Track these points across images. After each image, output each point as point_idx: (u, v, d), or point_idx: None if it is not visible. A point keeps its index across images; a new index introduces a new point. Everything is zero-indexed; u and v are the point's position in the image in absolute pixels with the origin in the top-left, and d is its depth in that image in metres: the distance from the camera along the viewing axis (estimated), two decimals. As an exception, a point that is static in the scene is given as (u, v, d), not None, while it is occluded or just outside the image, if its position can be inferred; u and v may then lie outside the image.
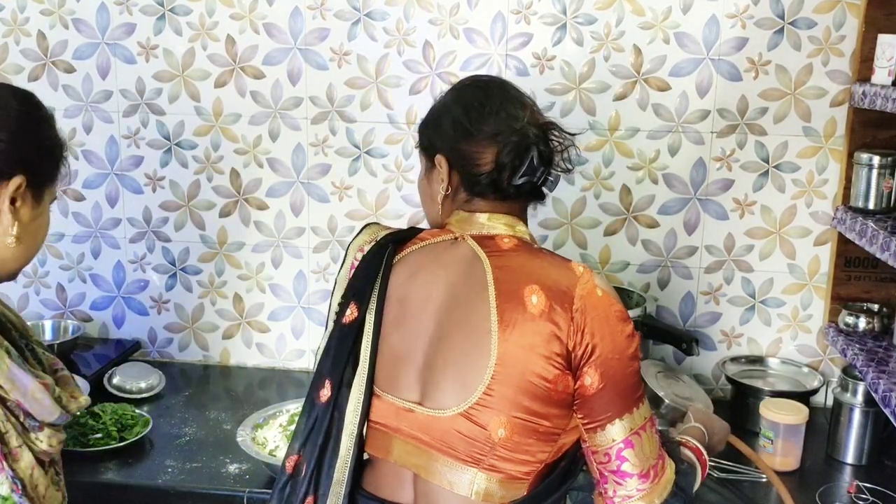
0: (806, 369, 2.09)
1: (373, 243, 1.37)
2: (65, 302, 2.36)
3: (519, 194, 1.32)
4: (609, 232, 2.13)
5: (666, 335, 1.91)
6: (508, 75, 2.07)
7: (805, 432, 1.83)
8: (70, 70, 2.22)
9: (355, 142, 2.17)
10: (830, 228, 2.05)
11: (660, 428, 1.32)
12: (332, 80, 2.13)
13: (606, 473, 1.24)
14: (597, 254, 2.15)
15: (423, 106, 2.11)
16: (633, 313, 1.89)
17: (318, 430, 1.32)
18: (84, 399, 1.31)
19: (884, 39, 1.80)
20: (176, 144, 2.22)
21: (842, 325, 1.98)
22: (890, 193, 1.87)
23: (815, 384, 2.02)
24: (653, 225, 2.12)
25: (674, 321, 2.15)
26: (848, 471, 1.84)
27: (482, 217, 1.32)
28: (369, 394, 1.32)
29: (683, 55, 2.01)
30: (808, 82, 1.99)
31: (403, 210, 2.19)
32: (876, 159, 1.87)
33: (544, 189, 1.33)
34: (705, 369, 2.17)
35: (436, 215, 1.38)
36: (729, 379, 2.05)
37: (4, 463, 1.18)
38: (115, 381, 2.10)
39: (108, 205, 2.29)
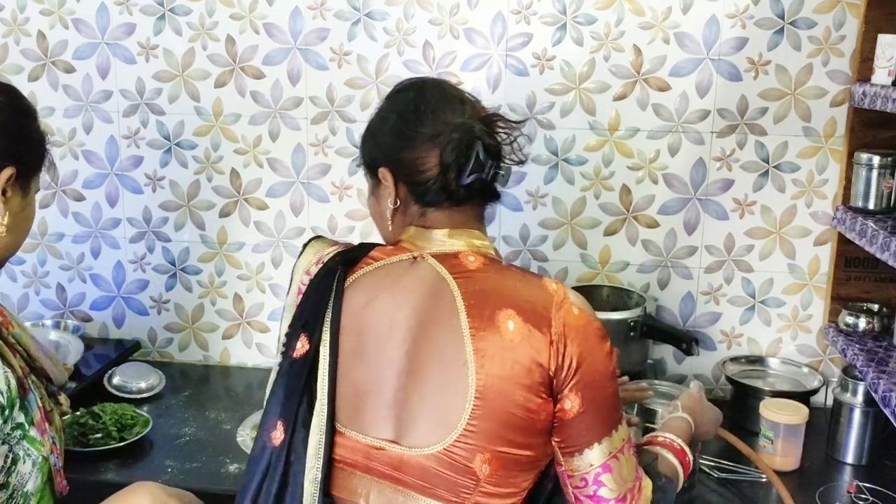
0: (806, 369, 2.09)
1: (320, 265, 1.27)
2: (65, 302, 2.36)
3: (471, 195, 1.24)
4: (609, 232, 2.13)
5: (666, 335, 1.91)
6: (508, 75, 2.07)
7: (805, 432, 1.83)
8: (70, 70, 2.22)
9: (355, 142, 2.16)
10: (830, 228, 2.05)
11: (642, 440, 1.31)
12: (332, 80, 2.14)
13: (582, 498, 1.19)
14: (597, 254, 2.15)
15: (423, 106, 2.11)
16: (632, 313, 1.89)
17: (273, 477, 1.19)
18: (69, 366, 1.39)
19: (884, 39, 1.80)
20: (176, 144, 2.23)
21: (842, 326, 1.98)
22: (890, 193, 1.87)
23: (815, 384, 2.02)
24: (653, 225, 2.12)
25: (674, 321, 2.15)
26: (848, 471, 1.84)
27: (440, 233, 1.24)
28: (331, 433, 1.19)
29: (683, 55, 2.01)
30: (808, 82, 1.99)
31: (403, 210, 2.19)
32: (876, 159, 1.87)
33: (497, 185, 1.25)
34: (705, 369, 2.17)
35: (388, 232, 1.30)
36: (729, 379, 2.05)
37: (47, 424, 1.24)
38: (115, 381, 2.10)
39: (108, 205, 2.29)
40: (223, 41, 2.15)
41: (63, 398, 1.38)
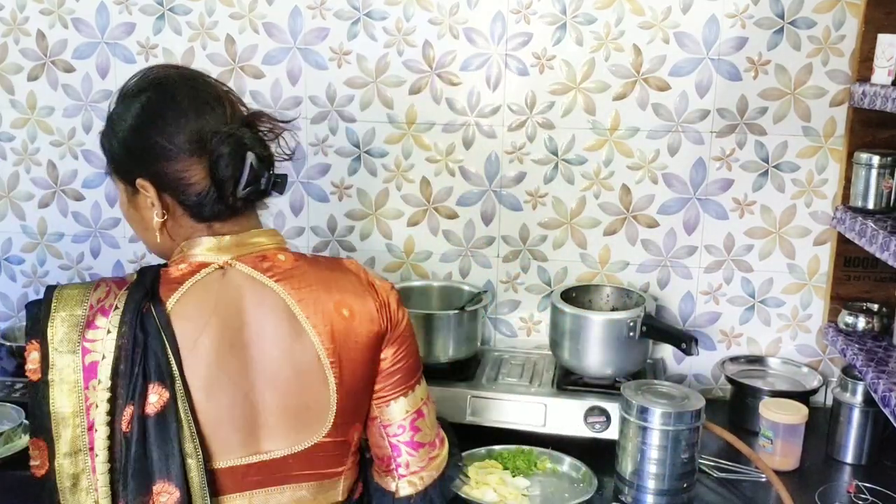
0: (805, 369, 2.09)
1: (110, 312, 1.12)
2: (64, 301, 2.35)
3: (248, 202, 1.21)
4: (609, 232, 2.13)
5: (665, 335, 1.91)
6: (508, 75, 2.07)
7: (805, 432, 1.83)
8: (70, 69, 2.22)
9: (355, 141, 2.17)
10: (830, 228, 2.05)
11: None
12: (331, 80, 2.13)
13: (400, 445, 1.29)
14: (596, 254, 2.15)
15: (422, 106, 2.11)
16: (632, 313, 1.89)
17: None
18: None
19: (883, 39, 1.80)
20: (175, 144, 2.22)
21: (841, 325, 1.98)
22: (890, 193, 1.87)
23: (815, 384, 2.02)
24: (652, 225, 2.12)
25: (673, 321, 2.15)
26: (847, 471, 1.84)
27: (235, 239, 1.19)
28: (209, 473, 1.14)
29: (683, 55, 2.01)
30: (808, 82, 1.99)
31: (403, 209, 2.19)
32: (875, 159, 1.87)
33: (274, 192, 1.23)
34: (705, 369, 2.17)
35: (156, 244, 1.22)
36: (728, 379, 2.05)
37: None
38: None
39: (108, 204, 2.29)
40: (223, 41, 2.15)
41: None
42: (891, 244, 1.62)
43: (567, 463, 1.78)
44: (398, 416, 1.28)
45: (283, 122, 1.25)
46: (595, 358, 1.90)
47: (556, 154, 2.10)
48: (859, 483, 1.75)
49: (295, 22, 2.12)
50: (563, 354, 1.95)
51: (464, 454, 1.77)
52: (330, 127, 2.16)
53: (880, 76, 1.80)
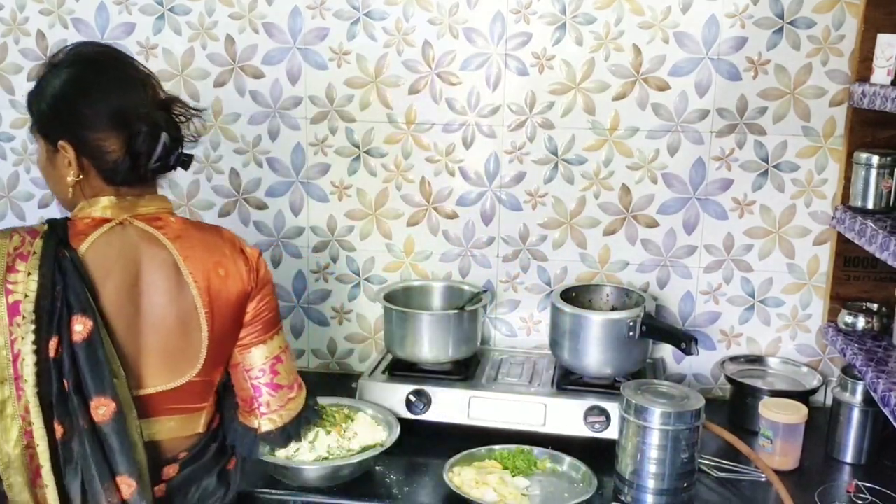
0: (805, 369, 2.09)
1: (31, 255, 1.28)
2: (64, 301, 2.35)
3: (155, 173, 1.39)
4: (608, 231, 2.13)
5: (665, 335, 1.91)
6: (508, 75, 2.07)
7: (804, 432, 1.83)
8: (69, 69, 2.22)
9: (355, 141, 2.17)
10: (830, 228, 2.05)
11: None
12: (331, 80, 2.14)
13: (261, 387, 1.46)
14: (596, 253, 2.15)
15: (422, 106, 2.11)
16: (632, 313, 1.89)
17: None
18: None
19: (883, 39, 1.80)
20: (175, 144, 2.22)
21: (841, 325, 1.98)
22: (889, 193, 1.87)
23: (815, 384, 2.02)
24: (652, 224, 2.12)
25: (673, 321, 2.16)
26: (847, 470, 1.84)
27: (136, 201, 1.37)
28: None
29: (683, 55, 2.01)
30: (808, 82, 1.99)
31: (403, 209, 2.19)
32: (875, 159, 1.87)
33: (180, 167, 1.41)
34: (704, 369, 2.17)
35: (67, 199, 1.38)
36: (728, 378, 2.05)
37: None
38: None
39: (108, 204, 2.29)
40: (222, 41, 2.15)
41: None
42: (890, 244, 1.62)
43: (567, 463, 1.78)
44: (258, 361, 1.46)
45: (195, 108, 1.42)
46: (595, 358, 1.90)
47: (555, 154, 2.10)
48: (859, 483, 1.75)
49: (295, 22, 2.12)
50: (563, 354, 1.95)
51: (464, 454, 1.78)
52: (330, 127, 2.16)
53: (880, 76, 1.81)
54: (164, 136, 1.34)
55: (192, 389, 1.39)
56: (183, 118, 1.40)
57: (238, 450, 1.50)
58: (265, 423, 1.48)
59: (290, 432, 1.50)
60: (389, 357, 2.09)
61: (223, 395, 1.50)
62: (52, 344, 1.25)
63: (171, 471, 1.39)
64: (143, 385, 1.35)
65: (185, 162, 1.41)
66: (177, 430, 1.40)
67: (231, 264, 1.40)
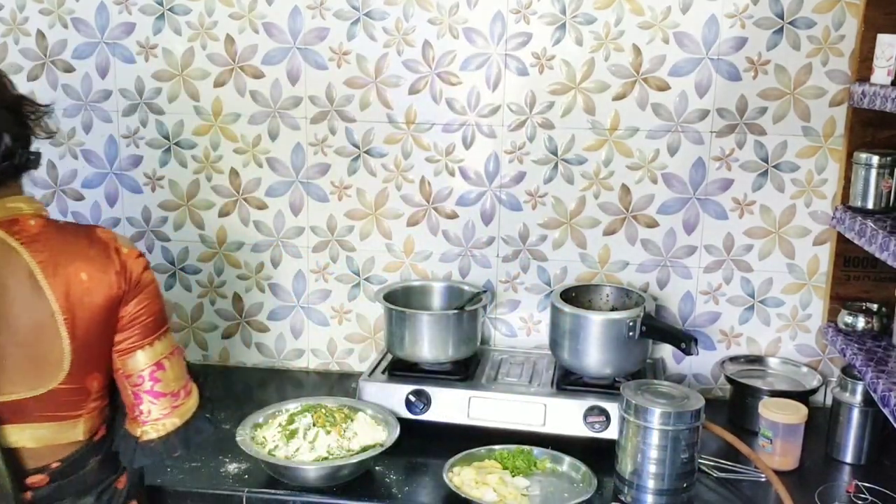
0: (805, 369, 2.09)
1: None
2: (64, 301, 2.36)
3: (6, 175, 1.34)
4: (608, 231, 2.14)
5: (665, 335, 1.91)
6: (508, 75, 2.07)
7: (804, 432, 1.83)
8: (69, 69, 2.22)
9: (354, 141, 2.17)
10: (829, 228, 2.05)
11: None
12: (331, 80, 2.14)
13: (142, 394, 1.40)
14: (596, 253, 2.15)
15: (422, 106, 2.12)
16: (631, 313, 1.89)
17: None
18: None
19: (883, 39, 1.80)
20: (175, 144, 2.22)
21: (841, 325, 1.98)
22: (889, 193, 1.87)
23: (815, 384, 2.02)
24: (652, 224, 2.12)
25: (673, 321, 2.16)
26: (847, 470, 1.84)
27: None
28: None
29: (683, 55, 2.01)
30: (808, 82, 1.99)
31: (402, 210, 2.19)
32: (875, 159, 1.87)
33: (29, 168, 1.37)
34: (704, 369, 2.17)
35: None
36: (728, 378, 2.05)
37: None
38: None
39: (108, 204, 2.29)
40: (222, 41, 2.15)
41: None
42: (890, 244, 1.62)
43: (567, 463, 1.78)
44: (138, 367, 1.40)
45: (42, 106, 1.39)
46: (595, 358, 1.90)
47: (555, 154, 2.10)
48: (859, 483, 1.75)
49: (295, 22, 2.12)
50: (563, 354, 1.95)
51: (463, 454, 1.78)
52: (330, 127, 2.16)
53: (880, 76, 1.80)
54: (6, 137, 1.31)
55: (60, 397, 1.34)
56: (32, 116, 1.37)
57: (121, 457, 1.45)
58: (148, 431, 1.41)
59: (173, 442, 1.43)
60: (389, 357, 2.09)
61: (117, 403, 1.46)
62: None
63: (38, 480, 1.35)
64: (3, 391, 1.31)
65: (33, 161, 1.37)
66: (49, 438, 1.35)
67: (96, 268, 1.34)
